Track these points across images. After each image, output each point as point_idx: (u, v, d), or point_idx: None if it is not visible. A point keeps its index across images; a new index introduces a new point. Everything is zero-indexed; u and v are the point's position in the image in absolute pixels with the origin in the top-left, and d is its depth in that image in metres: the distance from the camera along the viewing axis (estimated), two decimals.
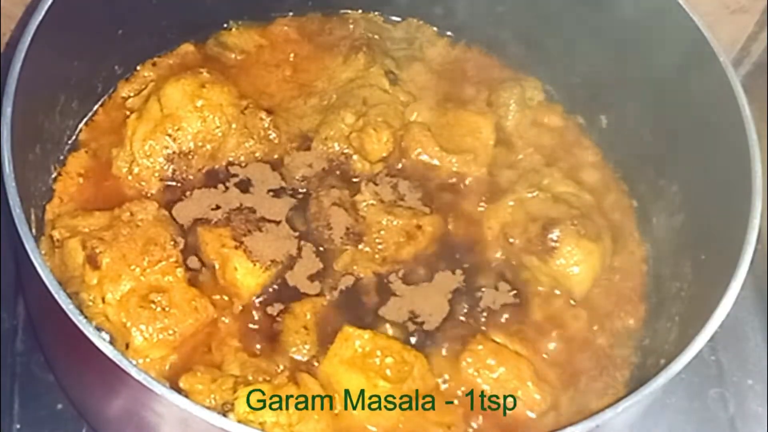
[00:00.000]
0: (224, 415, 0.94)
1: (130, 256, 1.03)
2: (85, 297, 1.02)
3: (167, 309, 1.02)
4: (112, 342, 0.99)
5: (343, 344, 1.02)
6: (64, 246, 1.04)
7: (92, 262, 1.02)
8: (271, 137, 1.17)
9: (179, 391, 0.97)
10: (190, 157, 1.14)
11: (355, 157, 1.16)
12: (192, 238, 1.09)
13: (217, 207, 1.12)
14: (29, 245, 0.89)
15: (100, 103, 1.19)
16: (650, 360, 1.09)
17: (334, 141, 1.17)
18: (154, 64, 1.22)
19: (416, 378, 1.02)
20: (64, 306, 0.85)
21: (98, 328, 0.99)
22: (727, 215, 1.02)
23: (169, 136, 1.13)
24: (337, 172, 1.16)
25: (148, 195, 1.12)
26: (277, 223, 1.11)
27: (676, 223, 1.15)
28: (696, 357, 0.91)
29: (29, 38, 0.98)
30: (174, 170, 1.13)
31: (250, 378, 0.99)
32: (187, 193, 1.13)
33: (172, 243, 1.06)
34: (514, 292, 1.12)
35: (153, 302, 1.02)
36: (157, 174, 1.13)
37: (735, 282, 0.94)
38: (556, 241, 1.10)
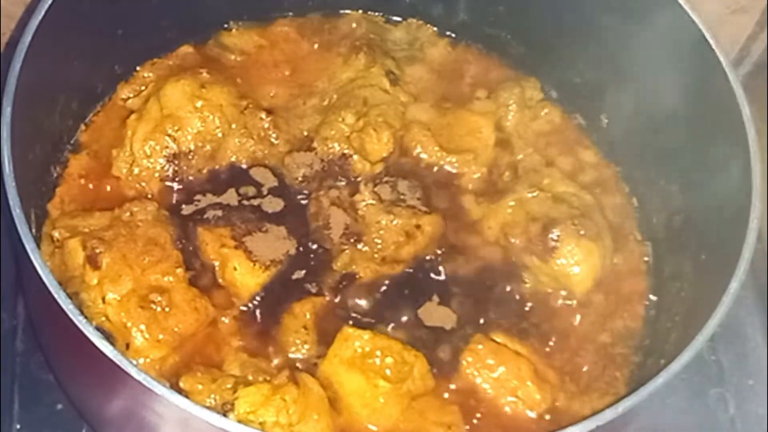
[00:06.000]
0: (224, 415, 0.94)
1: (130, 256, 1.03)
2: (86, 297, 1.02)
3: (167, 309, 1.02)
4: (112, 342, 0.99)
5: (342, 344, 1.02)
6: (64, 246, 1.04)
7: (92, 262, 1.02)
8: (271, 137, 1.17)
9: (179, 391, 0.97)
10: (190, 157, 1.14)
11: (355, 157, 1.16)
12: (192, 238, 1.09)
13: (217, 207, 1.12)
14: (29, 245, 0.89)
15: (100, 104, 1.19)
16: (650, 360, 1.09)
17: (334, 141, 1.17)
18: (153, 65, 1.21)
19: (416, 378, 1.02)
20: (64, 306, 0.85)
21: (98, 329, 0.99)
22: (727, 215, 1.02)
23: (169, 136, 1.13)
24: (338, 173, 1.16)
25: (149, 195, 1.12)
26: (277, 223, 1.11)
27: (676, 223, 1.15)
28: (696, 357, 0.91)
29: (29, 38, 0.98)
30: (174, 171, 1.13)
31: (250, 378, 0.99)
32: (187, 193, 1.13)
33: (172, 243, 1.06)
34: (515, 292, 1.12)
35: (153, 302, 1.02)
36: (157, 174, 1.13)
37: (735, 282, 0.94)
38: (556, 241, 1.10)
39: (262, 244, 1.09)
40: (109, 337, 1.00)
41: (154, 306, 1.02)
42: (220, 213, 1.12)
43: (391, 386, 1.01)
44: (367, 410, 1.01)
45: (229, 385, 0.97)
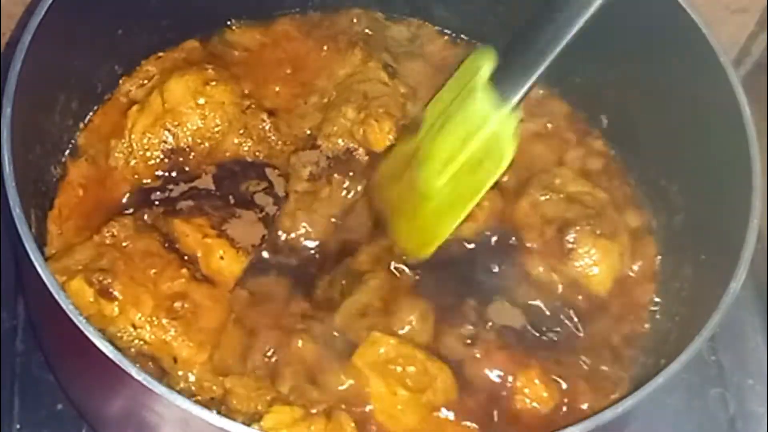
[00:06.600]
0: (249, 424, 0.94)
1: (136, 275, 1.01)
2: (113, 330, 0.99)
3: (193, 311, 1.02)
4: (158, 365, 1.00)
5: (369, 348, 1.02)
6: (68, 289, 0.99)
7: (106, 294, 0.99)
8: (270, 139, 1.17)
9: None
10: (187, 152, 1.14)
11: (360, 150, 1.16)
12: (172, 232, 1.08)
13: (188, 197, 1.12)
14: (29, 245, 0.88)
15: (100, 104, 1.19)
16: (650, 360, 1.09)
17: (337, 137, 1.17)
18: (158, 59, 1.21)
19: (438, 390, 1.02)
20: (64, 306, 0.85)
21: (139, 355, 0.99)
22: (727, 215, 1.02)
23: (169, 131, 1.13)
24: (344, 167, 1.16)
25: (145, 184, 1.12)
26: (246, 207, 1.12)
27: (676, 223, 1.15)
28: (696, 357, 0.91)
29: (29, 38, 0.98)
30: (171, 165, 1.13)
31: (291, 399, 0.99)
32: (174, 188, 1.13)
33: (164, 246, 1.05)
34: (530, 294, 1.12)
35: (179, 309, 1.01)
36: (153, 168, 1.13)
37: (735, 282, 0.94)
38: (572, 243, 1.10)
39: (240, 229, 1.10)
40: (152, 359, 1.00)
41: (181, 312, 1.01)
42: (191, 203, 1.11)
43: (410, 395, 1.00)
44: (384, 416, 1.01)
45: (269, 398, 0.98)
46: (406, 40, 1.29)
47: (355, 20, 1.29)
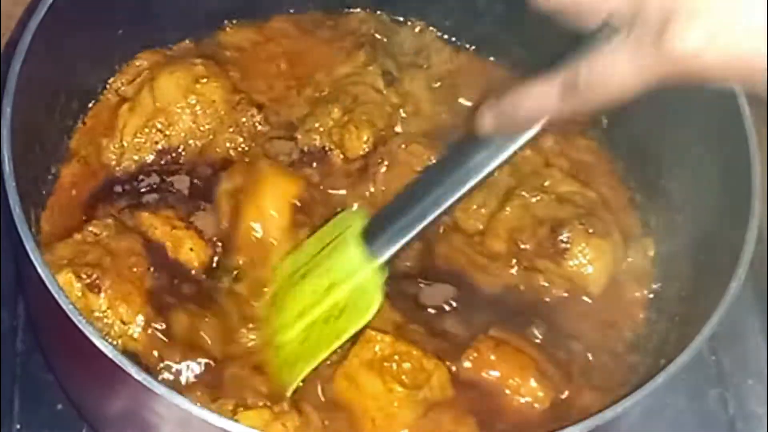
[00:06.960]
0: None
1: (123, 272, 1.01)
2: (100, 326, 0.99)
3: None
4: (142, 362, 0.99)
5: (364, 346, 1.02)
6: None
7: (94, 288, 0.99)
8: (261, 132, 1.16)
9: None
10: (179, 152, 1.14)
11: (335, 152, 1.16)
12: (140, 226, 1.08)
13: (154, 191, 1.11)
14: (29, 245, 0.88)
15: (98, 104, 1.19)
16: (650, 360, 1.09)
17: (316, 134, 1.16)
18: (149, 54, 1.20)
19: (434, 387, 1.02)
20: (64, 306, 0.85)
21: (125, 352, 0.98)
22: (726, 215, 1.02)
23: (160, 131, 1.13)
24: (315, 164, 1.16)
25: (124, 179, 1.12)
26: (206, 199, 1.11)
27: (676, 223, 1.15)
28: (696, 357, 0.91)
29: (29, 38, 0.98)
30: (163, 165, 1.13)
31: (250, 402, 0.98)
32: (145, 183, 1.12)
33: (144, 245, 1.04)
34: (526, 294, 1.12)
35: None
36: (146, 168, 1.13)
37: (735, 282, 0.94)
38: (566, 242, 1.10)
39: (204, 221, 1.09)
40: (138, 357, 0.99)
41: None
42: (157, 196, 1.11)
43: (407, 392, 1.00)
44: (381, 414, 1.00)
45: (229, 408, 0.96)
46: (412, 47, 1.28)
47: (360, 22, 1.29)
